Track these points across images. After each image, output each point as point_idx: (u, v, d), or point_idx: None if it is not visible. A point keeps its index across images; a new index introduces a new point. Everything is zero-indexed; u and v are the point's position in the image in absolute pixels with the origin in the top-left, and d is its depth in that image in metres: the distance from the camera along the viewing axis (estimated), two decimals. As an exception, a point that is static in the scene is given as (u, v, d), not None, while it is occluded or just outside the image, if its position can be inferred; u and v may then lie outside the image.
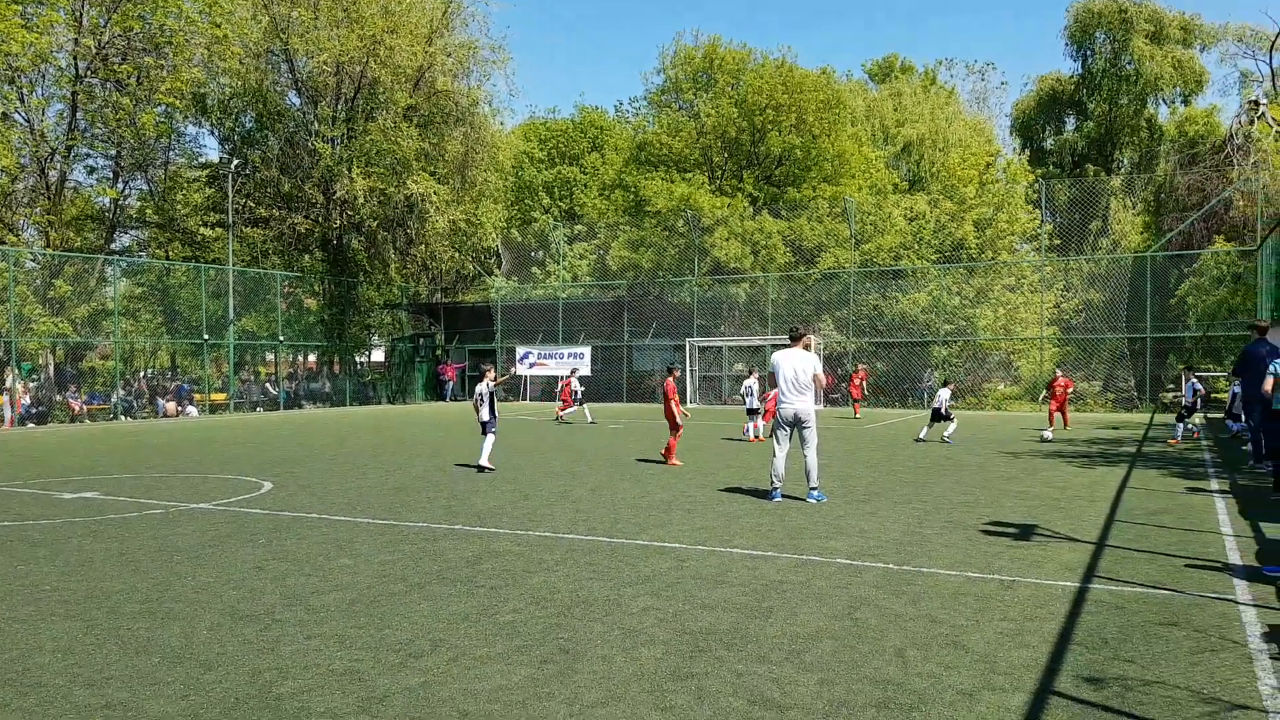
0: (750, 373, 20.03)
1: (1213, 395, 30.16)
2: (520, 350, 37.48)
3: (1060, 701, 4.22)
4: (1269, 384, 10.07)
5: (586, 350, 35.99)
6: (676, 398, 14.50)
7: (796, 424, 10.25)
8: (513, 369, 36.53)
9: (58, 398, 28.26)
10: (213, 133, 37.91)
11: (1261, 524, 8.71)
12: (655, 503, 10.21)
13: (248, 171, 34.84)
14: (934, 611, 5.74)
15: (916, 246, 32.40)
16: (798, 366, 10.18)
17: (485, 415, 13.37)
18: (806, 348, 10.39)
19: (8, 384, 25.28)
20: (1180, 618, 5.53)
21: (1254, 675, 4.50)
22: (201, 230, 34.37)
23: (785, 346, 10.56)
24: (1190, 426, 18.28)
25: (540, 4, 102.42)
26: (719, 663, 4.79)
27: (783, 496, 10.30)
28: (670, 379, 14.84)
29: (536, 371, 37.14)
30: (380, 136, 34.34)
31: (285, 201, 36.43)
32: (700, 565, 7.06)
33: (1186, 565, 6.97)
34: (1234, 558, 7.26)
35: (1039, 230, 31.97)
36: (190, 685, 4.57)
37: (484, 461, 13.20)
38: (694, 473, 13.03)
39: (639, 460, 14.71)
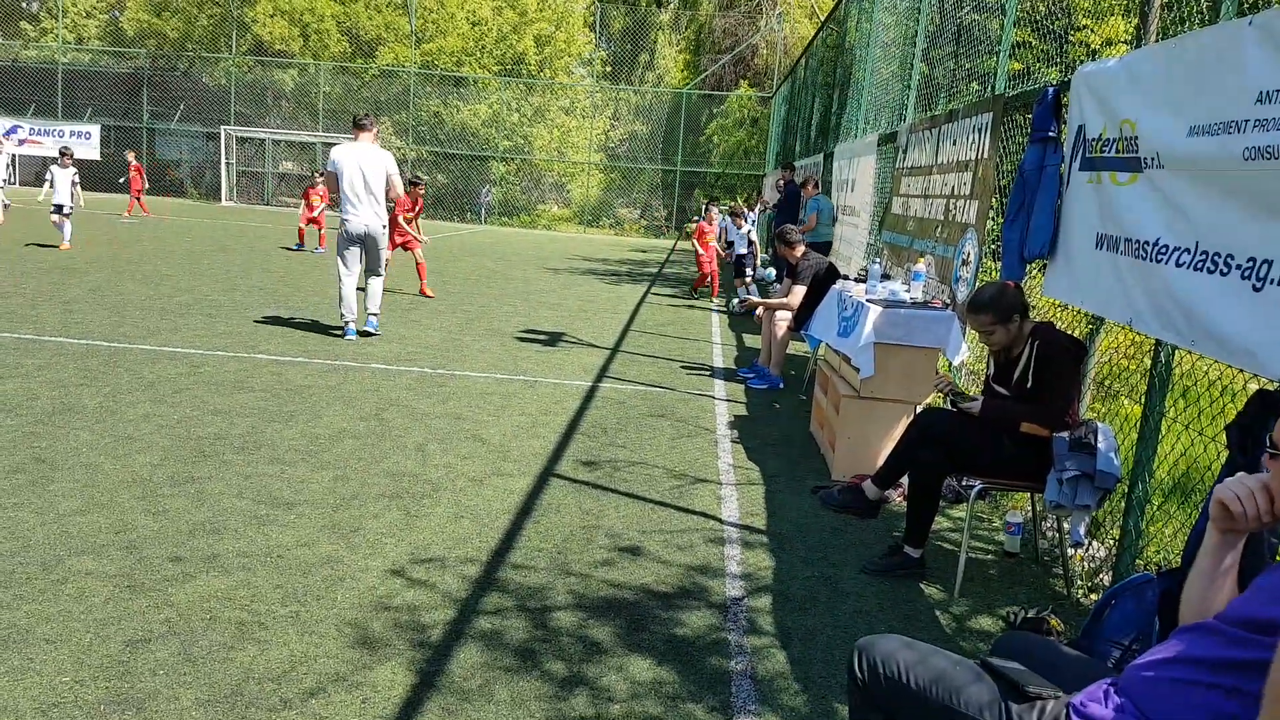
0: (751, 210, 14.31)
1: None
2: (5, 124, 30.23)
3: (558, 482, 4.71)
4: (812, 220, 11.53)
5: (95, 129, 30.21)
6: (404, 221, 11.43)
7: (365, 242, 8.11)
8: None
9: None
10: None
11: (744, 335, 10.42)
12: (171, 306, 9.15)
13: None
14: (460, 410, 6.00)
15: (479, 55, 31.72)
16: (366, 167, 7.91)
17: None
18: (377, 143, 8.21)
19: None
20: (668, 411, 6.45)
21: (716, 455, 5.43)
22: None
23: (348, 141, 8.17)
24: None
25: None
26: (225, 466, 4.52)
27: (357, 333, 8.24)
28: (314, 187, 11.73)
29: (28, 150, 30.47)
30: None
31: None
32: (218, 371, 6.53)
33: (682, 368, 8.12)
34: (718, 362, 8.59)
35: (593, 56, 33.16)
36: None
37: None
38: (223, 276, 11.89)
39: (154, 257, 12.99)
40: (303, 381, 6.43)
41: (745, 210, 14.85)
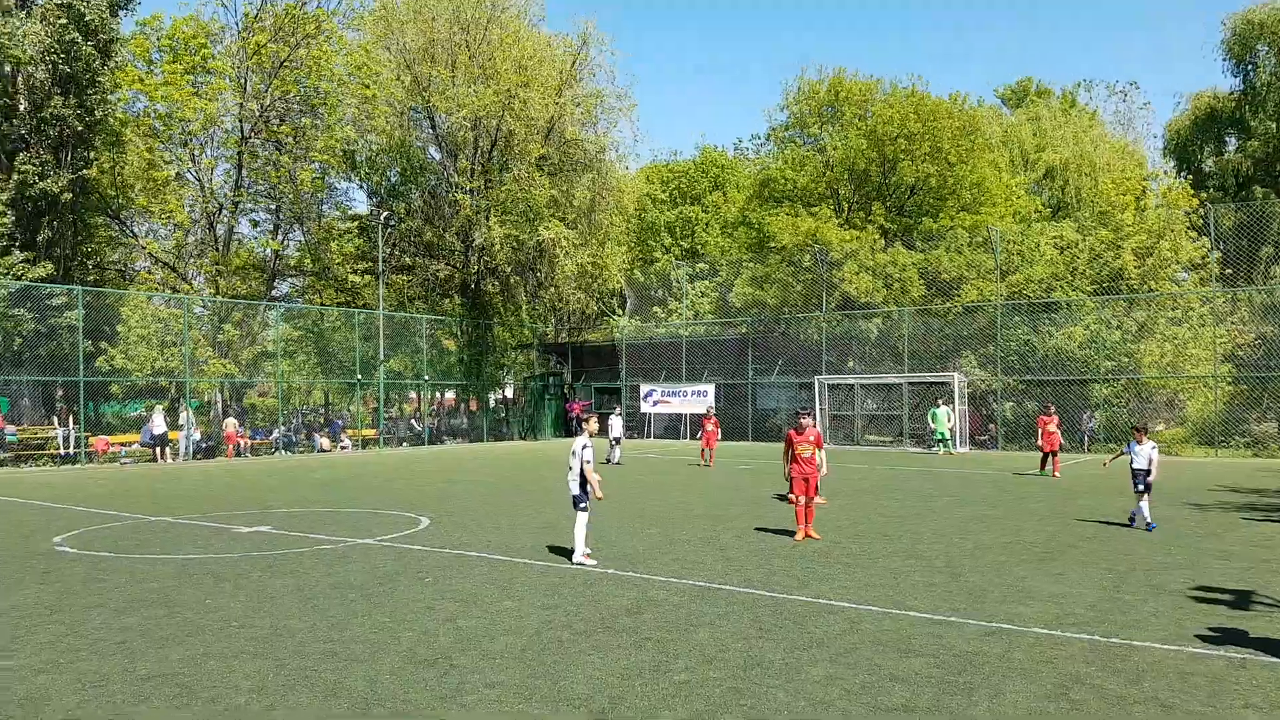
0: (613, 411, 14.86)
1: None
2: (644, 388, 37.47)
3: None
4: None
5: (710, 388, 35.56)
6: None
7: None
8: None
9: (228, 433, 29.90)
10: (361, 186, 40.14)
11: None
12: (808, 552, 9.67)
13: (394, 222, 36.55)
14: (1160, 693, 5.05)
15: (1070, 277, 30.45)
16: None
17: (575, 487, 9.22)
18: None
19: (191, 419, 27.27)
20: None
21: None
22: (351, 277, 36.37)
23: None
24: None
25: (663, 50, 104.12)
26: (929, 750, 4.27)
27: None
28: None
29: (660, 409, 37.06)
30: (515, 186, 35.46)
31: (428, 249, 38.19)
32: (877, 629, 6.51)
33: None
34: None
35: (1205, 258, 29.51)
36: (382, 735, 4.49)
37: (578, 557, 9.22)
38: (830, 522, 12.34)
39: (777, 500, 14.12)
40: (965, 646, 6.05)
41: None
